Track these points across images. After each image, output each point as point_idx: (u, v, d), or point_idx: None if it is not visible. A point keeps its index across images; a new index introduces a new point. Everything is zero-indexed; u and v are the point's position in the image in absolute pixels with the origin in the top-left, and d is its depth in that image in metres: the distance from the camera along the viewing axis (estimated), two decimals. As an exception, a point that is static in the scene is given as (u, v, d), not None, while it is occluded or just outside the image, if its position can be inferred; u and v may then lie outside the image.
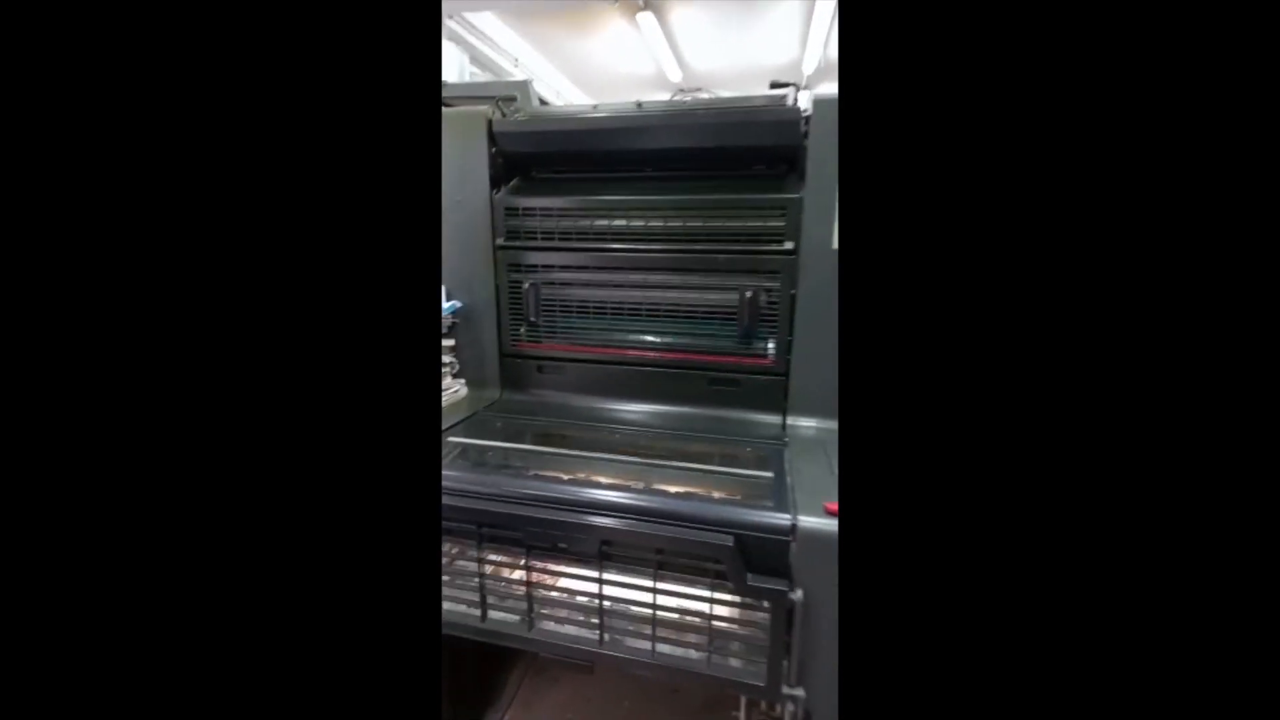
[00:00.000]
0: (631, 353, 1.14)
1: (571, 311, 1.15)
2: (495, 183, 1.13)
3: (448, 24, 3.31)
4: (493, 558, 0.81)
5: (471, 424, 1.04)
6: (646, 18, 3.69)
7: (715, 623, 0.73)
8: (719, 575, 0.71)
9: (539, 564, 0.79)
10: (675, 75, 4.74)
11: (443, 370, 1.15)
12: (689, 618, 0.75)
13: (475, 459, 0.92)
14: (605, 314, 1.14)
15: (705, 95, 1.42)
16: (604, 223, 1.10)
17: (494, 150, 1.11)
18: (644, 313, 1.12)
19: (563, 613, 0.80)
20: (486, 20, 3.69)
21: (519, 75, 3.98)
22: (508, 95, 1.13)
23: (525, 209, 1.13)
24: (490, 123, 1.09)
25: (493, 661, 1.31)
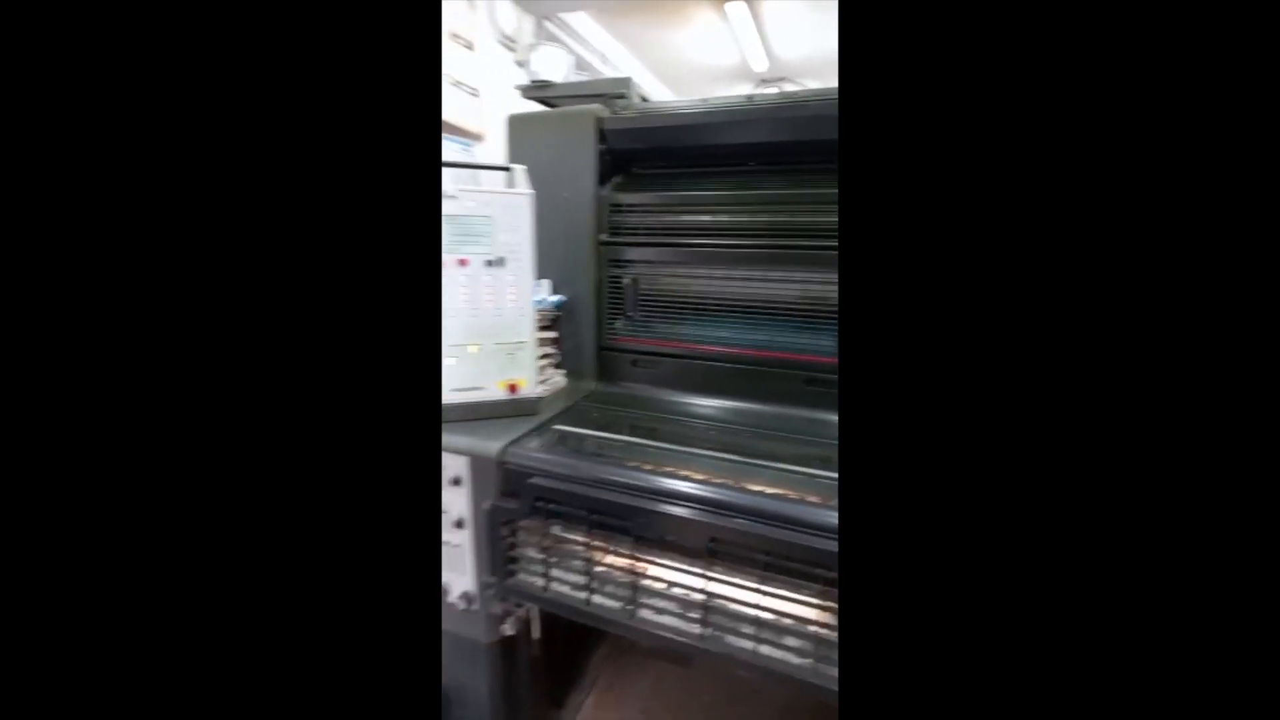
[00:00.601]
0: (727, 349, 1.13)
1: (669, 306, 1.16)
2: (602, 179, 1.16)
3: (547, 26, 3.41)
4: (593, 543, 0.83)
5: (572, 413, 1.08)
6: (736, 7, 3.62)
7: (821, 630, 0.72)
8: (828, 582, 0.69)
9: (643, 554, 0.81)
10: (760, 66, 4.61)
11: (545, 361, 1.20)
12: (786, 620, 0.73)
13: (575, 446, 0.95)
14: (704, 309, 1.14)
15: (791, 87, 1.37)
16: (707, 218, 1.10)
17: (603, 148, 1.14)
18: (741, 309, 1.11)
19: (660, 603, 0.82)
20: (579, 19, 3.77)
21: (608, 72, 4.03)
22: (616, 92, 1.15)
23: (629, 205, 1.15)
24: (600, 120, 1.12)
25: (576, 644, 1.35)
